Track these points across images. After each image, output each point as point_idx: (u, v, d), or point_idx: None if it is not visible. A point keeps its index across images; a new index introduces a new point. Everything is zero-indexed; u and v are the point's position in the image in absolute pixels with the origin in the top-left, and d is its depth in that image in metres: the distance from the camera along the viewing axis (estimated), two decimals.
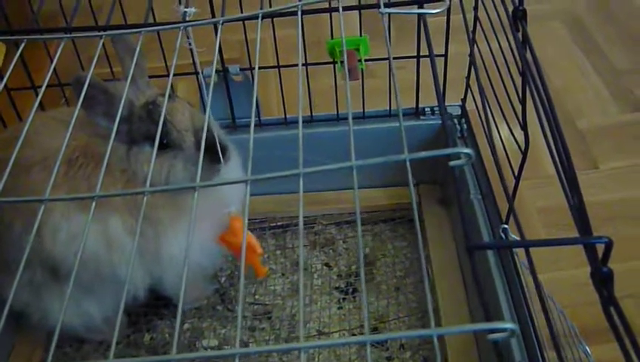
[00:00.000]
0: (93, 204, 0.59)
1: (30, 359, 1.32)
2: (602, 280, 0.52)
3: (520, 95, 1.02)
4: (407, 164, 0.52)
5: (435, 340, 0.42)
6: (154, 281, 1.23)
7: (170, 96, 1.09)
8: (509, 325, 0.43)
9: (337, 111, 1.52)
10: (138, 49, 0.84)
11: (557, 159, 0.68)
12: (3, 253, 1.12)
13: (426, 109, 1.53)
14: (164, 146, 1.07)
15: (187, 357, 0.45)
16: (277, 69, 1.48)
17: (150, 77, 1.17)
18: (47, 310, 1.18)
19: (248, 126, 1.47)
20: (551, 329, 0.56)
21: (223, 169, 1.10)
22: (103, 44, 0.91)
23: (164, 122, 1.01)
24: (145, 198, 0.59)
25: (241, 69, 1.47)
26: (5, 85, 0.91)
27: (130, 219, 1.10)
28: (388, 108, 1.52)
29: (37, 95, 1.40)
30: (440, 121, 1.52)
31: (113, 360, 0.44)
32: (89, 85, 0.90)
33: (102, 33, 0.94)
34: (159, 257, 1.16)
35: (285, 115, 1.52)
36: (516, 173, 1.13)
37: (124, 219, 1.11)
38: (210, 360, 1.15)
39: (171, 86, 0.85)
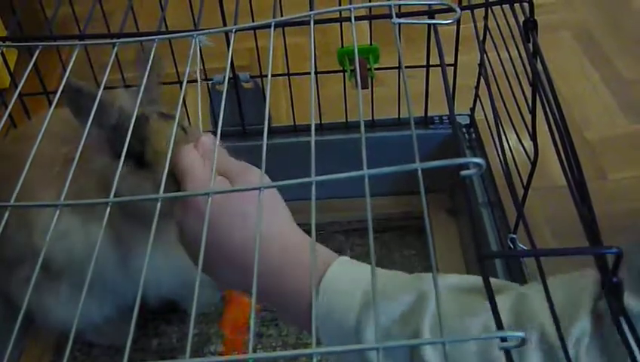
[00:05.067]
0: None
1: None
2: (613, 290, 0.52)
3: (529, 105, 1.02)
4: (419, 173, 0.52)
5: (446, 348, 0.43)
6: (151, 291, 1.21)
7: (163, 114, 1.05)
8: (519, 334, 0.44)
9: (346, 119, 1.53)
10: (151, 58, 0.84)
11: (567, 169, 0.69)
12: (1, 250, 1.15)
13: (435, 118, 1.54)
14: (141, 166, 1.03)
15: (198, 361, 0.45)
16: (287, 77, 1.49)
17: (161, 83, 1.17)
18: (46, 308, 1.19)
19: (258, 133, 1.50)
20: (562, 340, 0.56)
21: None
22: (116, 52, 0.91)
23: (143, 141, 1.01)
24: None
25: (251, 77, 1.48)
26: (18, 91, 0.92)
27: (110, 228, 1.08)
28: (397, 116, 1.52)
29: (49, 100, 1.43)
30: (448, 130, 1.52)
31: None
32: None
33: (115, 40, 0.94)
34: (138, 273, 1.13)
35: (294, 122, 1.53)
36: (525, 183, 1.13)
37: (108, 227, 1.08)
38: None
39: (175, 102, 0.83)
